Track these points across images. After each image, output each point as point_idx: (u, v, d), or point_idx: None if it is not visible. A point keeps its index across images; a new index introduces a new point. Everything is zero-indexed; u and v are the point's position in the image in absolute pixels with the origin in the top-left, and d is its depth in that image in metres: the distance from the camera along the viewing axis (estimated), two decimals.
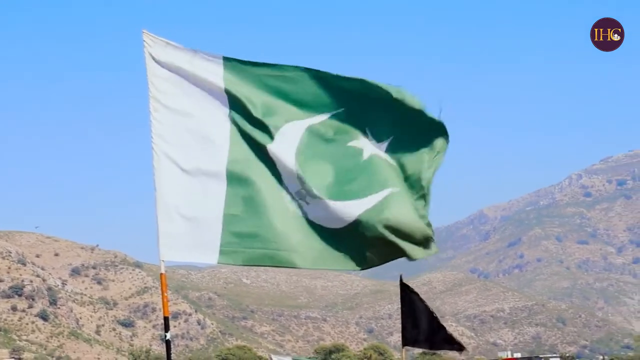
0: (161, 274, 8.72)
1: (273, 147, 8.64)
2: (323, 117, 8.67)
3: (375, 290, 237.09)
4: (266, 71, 8.70)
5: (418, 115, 8.59)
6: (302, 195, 8.64)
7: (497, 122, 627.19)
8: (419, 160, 8.60)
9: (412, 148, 8.62)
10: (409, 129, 8.61)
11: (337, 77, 8.65)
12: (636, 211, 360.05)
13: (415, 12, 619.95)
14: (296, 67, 8.73)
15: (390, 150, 8.63)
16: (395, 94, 8.56)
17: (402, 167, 8.62)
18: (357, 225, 8.53)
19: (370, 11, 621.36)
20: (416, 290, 10.81)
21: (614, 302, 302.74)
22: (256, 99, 8.73)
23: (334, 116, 8.67)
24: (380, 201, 8.51)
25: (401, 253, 8.56)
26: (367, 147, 8.62)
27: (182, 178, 8.72)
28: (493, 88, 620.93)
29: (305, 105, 8.67)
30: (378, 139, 8.65)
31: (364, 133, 8.65)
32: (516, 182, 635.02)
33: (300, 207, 8.65)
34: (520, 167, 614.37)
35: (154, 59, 8.73)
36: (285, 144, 8.64)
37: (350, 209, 8.52)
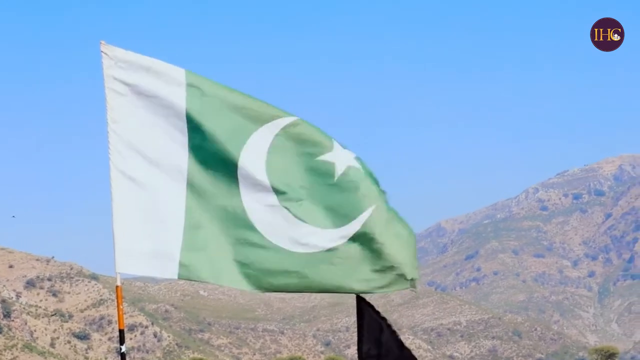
0: (117, 286, 8.65)
1: (242, 161, 8.59)
2: (292, 118, 8.63)
3: (332, 303, 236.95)
4: (227, 88, 8.68)
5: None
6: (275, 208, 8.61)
7: (454, 135, 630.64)
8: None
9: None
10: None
11: None
12: (591, 225, 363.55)
13: (396, 13, 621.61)
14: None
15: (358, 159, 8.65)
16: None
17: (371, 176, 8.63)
18: (332, 253, 8.56)
19: (343, 11, 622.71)
20: (373, 303, 10.80)
21: (569, 316, 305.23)
22: (219, 113, 8.68)
23: (302, 120, 8.63)
24: (360, 228, 8.56)
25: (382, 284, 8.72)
26: (338, 161, 8.58)
27: (140, 190, 8.65)
28: (452, 99, 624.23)
29: (271, 110, 8.63)
30: (344, 145, 8.66)
31: (332, 141, 8.62)
32: (474, 195, 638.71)
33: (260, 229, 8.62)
34: (477, 180, 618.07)
35: (112, 69, 8.67)
36: (254, 156, 8.58)
37: (328, 236, 8.53)
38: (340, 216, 8.49)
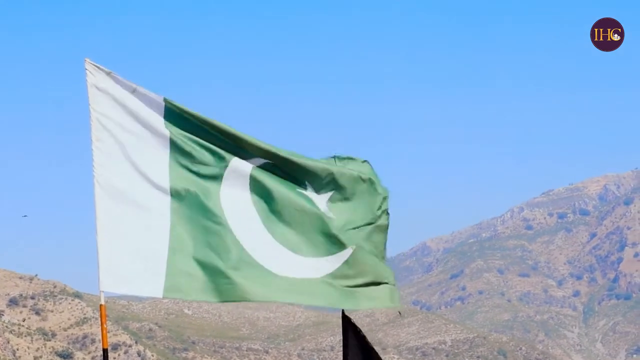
0: (101, 305, 8.61)
1: (223, 185, 8.64)
2: (265, 160, 8.69)
3: (317, 322, 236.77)
4: (205, 117, 8.72)
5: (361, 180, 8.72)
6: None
7: (439, 154, 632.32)
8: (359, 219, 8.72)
9: (353, 205, 8.72)
10: (348, 185, 8.71)
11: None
12: (576, 244, 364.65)
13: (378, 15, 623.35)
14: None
15: (331, 202, 8.71)
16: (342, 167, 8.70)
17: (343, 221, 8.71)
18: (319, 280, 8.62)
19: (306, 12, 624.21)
20: (359, 322, 10.80)
21: (554, 335, 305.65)
22: (198, 138, 8.72)
23: (275, 164, 8.70)
24: (343, 263, 8.62)
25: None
26: (315, 199, 8.68)
27: (124, 209, 8.64)
28: (435, 117, 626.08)
29: (247, 151, 8.70)
30: (317, 190, 8.72)
31: (305, 185, 8.71)
32: (459, 215, 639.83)
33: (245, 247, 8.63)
34: (462, 199, 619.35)
35: (96, 87, 8.68)
36: (236, 181, 8.63)
37: (312, 265, 8.59)
38: (322, 248, 8.57)
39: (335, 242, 8.64)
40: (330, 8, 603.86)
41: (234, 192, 8.65)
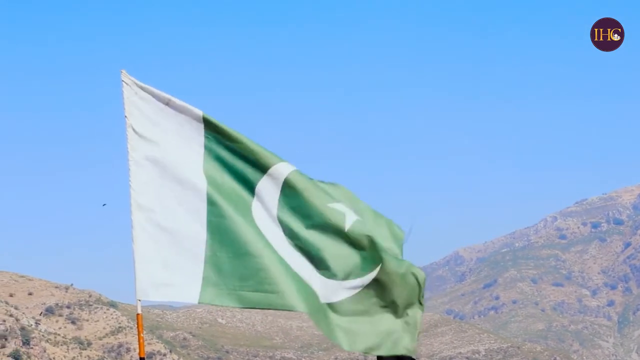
0: (138, 314, 8.67)
1: (256, 200, 8.72)
2: (294, 167, 8.77)
3: None
4: (239, 134, 8.80)
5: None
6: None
7: (472, 164, 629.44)
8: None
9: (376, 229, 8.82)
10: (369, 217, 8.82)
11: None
12: (610, 254, 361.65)
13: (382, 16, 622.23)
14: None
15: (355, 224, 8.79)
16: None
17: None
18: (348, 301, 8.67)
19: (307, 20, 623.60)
20: None
21: (589, 345, 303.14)
22: (233, 152, 8.79)
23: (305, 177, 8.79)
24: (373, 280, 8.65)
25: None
26: (347, 212, 8.70)
27: (160, 218, 8.72)
28: (467, 127, 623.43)
29: (275, 157, 8.77)
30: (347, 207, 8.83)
31: (336, 191, 8.78)
32: (492, 224, 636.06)
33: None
34: (496, 208, 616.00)
35: (131, 99, 8.77)
36: (266, 195, 8.71)
37: (331, 287, 8.63)
38: (346, 270, 8.59)
39: (363, 261, 8.65)
40: (338, 16, 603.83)
41: (264, 207, 8.72)
